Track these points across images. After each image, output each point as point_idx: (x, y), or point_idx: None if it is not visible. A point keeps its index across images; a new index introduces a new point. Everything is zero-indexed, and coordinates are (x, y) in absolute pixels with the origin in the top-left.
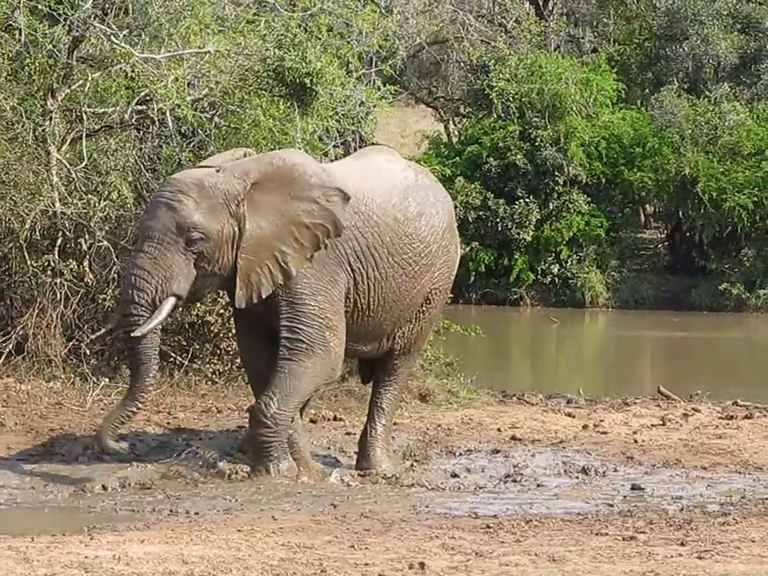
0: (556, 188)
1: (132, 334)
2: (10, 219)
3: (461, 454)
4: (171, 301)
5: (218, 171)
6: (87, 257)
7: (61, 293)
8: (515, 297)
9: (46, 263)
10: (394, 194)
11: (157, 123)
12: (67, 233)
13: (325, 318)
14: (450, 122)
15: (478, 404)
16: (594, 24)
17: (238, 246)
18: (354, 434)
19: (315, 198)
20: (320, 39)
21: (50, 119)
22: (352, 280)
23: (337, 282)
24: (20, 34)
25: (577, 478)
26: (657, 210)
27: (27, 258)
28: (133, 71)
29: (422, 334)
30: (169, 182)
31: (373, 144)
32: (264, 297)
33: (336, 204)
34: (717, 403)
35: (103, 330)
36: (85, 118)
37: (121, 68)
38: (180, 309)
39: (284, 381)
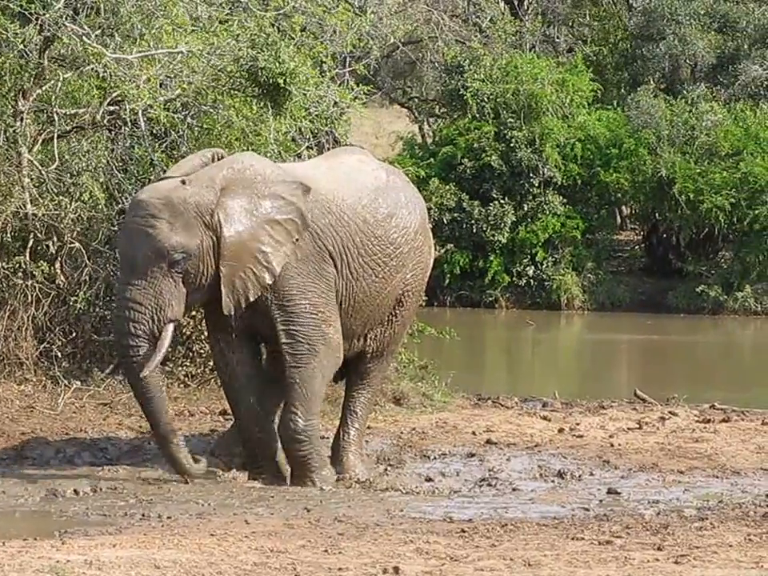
0: (531, 189)
1: (141, 375)
2: None
3: (435, 458)
4: (170, 327)
5: (183, 183)
6: (58, 258)
7: (32, 295)
8: (490, 299)
9: (17, 265)
10: (364, 194)
11: (129, 124)
12: (38, 234)
13: (318, 313)
14: (425, 123)
15: (453, 407)
16: (570, 24)
17: (218, 255)
18: (328, 438)
19: (280, 194)
20: (293, 39)
21: (21, 120)
22: (335, 273)
23: (323, 276)
24: None
25: (552, 482)
26: (633, 212)
27: None
28: (105, 71)
29: (395, 336)
30: (138, 205)
31: (347, 145)
32: (251, 299)
33: (299, 198)
34: (694, 407)
35: (110, 369)
36: (56, 118)
37: (93, 68)
38: None
39: (299, 391)
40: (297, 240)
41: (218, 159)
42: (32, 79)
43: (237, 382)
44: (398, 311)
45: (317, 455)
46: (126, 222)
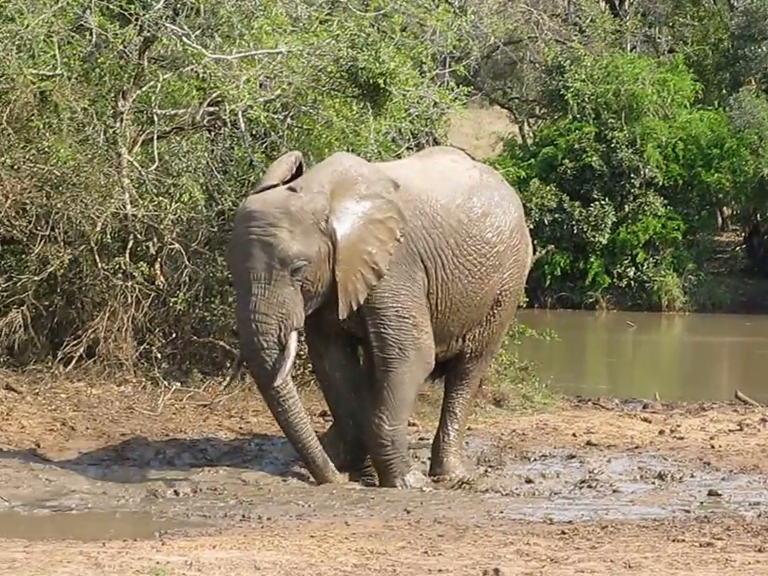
0: (632, 190)
1: (275, 384)
2: (80, 222)
3: (535, 460)
4: (294, 336)
5: (294, 190)
6: (158, 259)
7: (132, 296)
8: (591, 300)
9: (117, 266)
10: (458, 194)
11: (228, 124)
12: (138, 235)
13: (410, 317)
14: (525, 124)
15: (553, 409)
16: (671, 24)
17: (334, 260)
18: (428, 439)
19: (379, 193)
20: (393, 39)
21: (121, 121)
22: (426, 278)
23: (415, 279)
24: (91, 35)
25: (653, 483)
26: (734, 213)
27: (98, 260)
28: (204, 72)
29: (494, 336)
30: (252, 215)
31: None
32: (362, 302)
33: (392, 194)
34: None
35: (228, 382)
36: (156, 119)
37: (192, 69)
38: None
39: (387, 396)
40: (400, 237)
41: (298, 163)
42: (132, 80)
43: (336, 383)
44: (495, 311)
45: (401, 461)
46: (238, 234)
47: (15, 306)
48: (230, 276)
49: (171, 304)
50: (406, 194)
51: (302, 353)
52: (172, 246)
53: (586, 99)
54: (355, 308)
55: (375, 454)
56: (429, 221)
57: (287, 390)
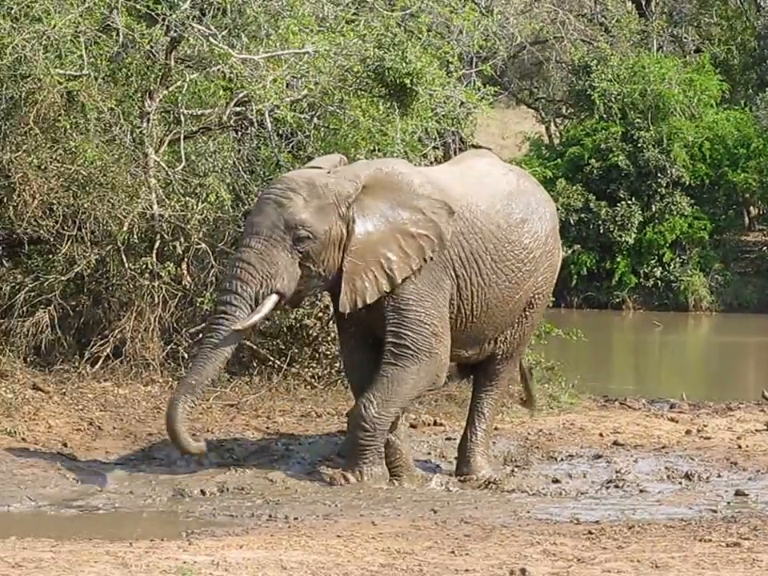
0: (659, 190)
1: (234, 327)
2: (107, 222)
3: (562, 460)
4: (273, 298)
5: (328, 173)
6: (185, 259)
7: (158, 296)
8: (617, 300)
9: (144, 266)
10: (497, 200)
11: (255, 124)
12: (165, 235)
13: (431, 325)
14: (552, 124)
15: (580, 409)
16: (697, 24)
17: (345, 249)
18: (455, 439)
19: (422, 209)
20: (420, 39)
21: (148, 121)
22: (456, 286)
23: (442, 287)
24: (118, 35)
25: (680, 483)
26: (761, 212)
27: (125, 260)
28: (231, 72)
29: (524, 338)
30: (280, 180)
31: (473, 146)
32: (368, 303)
33: (441, 216)
34: None
35: (201, 326)
36: (183, 119)
37: (219, 69)
38: (279, 311)
39: (386, 385)
40: (431, 258)
41: (343, 164)
42: (158, 80)
43: (365, 383)
44: (527, 313)
45: (375, 450)
46: (263, 193)
47: (42, 306)
48: None
49: (198, 304)
50: (446, 199)
51: (328, 353)
52: (199, 246)
53: (613, 99)
54: (359, 306)
55: (353, 435)
56: (468, 226)
57: (231, 339)
